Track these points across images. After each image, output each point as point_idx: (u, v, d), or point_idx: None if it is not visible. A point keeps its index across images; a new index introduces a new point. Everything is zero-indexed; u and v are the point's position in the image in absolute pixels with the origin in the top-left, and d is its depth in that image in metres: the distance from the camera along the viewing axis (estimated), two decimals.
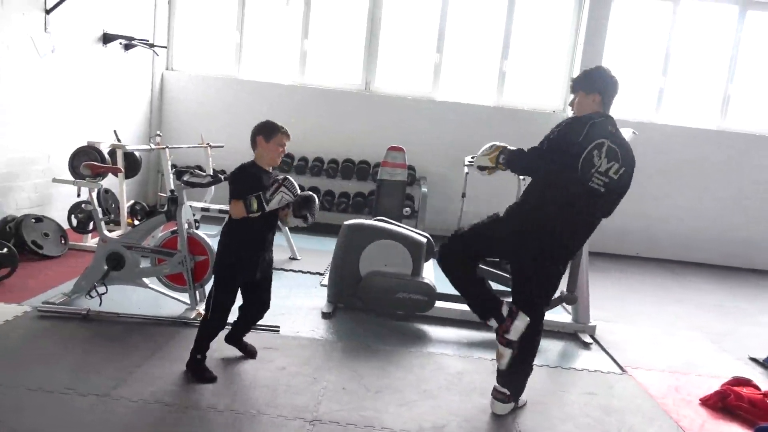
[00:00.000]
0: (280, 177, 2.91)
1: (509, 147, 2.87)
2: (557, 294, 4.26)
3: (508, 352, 2.76)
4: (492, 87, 7.55)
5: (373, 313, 4.13)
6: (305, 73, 7.59)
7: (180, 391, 2.80)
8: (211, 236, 4.53)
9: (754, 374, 3.77)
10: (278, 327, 3.71)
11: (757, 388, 3.34)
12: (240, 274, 2.99)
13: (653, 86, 7.42)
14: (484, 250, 3.03)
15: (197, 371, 2.95)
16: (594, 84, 2.74)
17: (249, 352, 3.25)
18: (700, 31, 7.44)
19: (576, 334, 4.16)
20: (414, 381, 3.19)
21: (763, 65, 7.48)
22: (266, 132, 2.98)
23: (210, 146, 5.89)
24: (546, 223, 2.71)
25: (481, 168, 2.96)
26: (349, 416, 2.74)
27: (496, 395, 2.87)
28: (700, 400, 3.28)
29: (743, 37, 7.39)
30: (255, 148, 3.01)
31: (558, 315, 4.37)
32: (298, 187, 2.95)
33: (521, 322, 2.72)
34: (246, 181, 2.90)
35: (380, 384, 3.07)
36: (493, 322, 2.84)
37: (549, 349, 3.90)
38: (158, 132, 5.56)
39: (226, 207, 5.79)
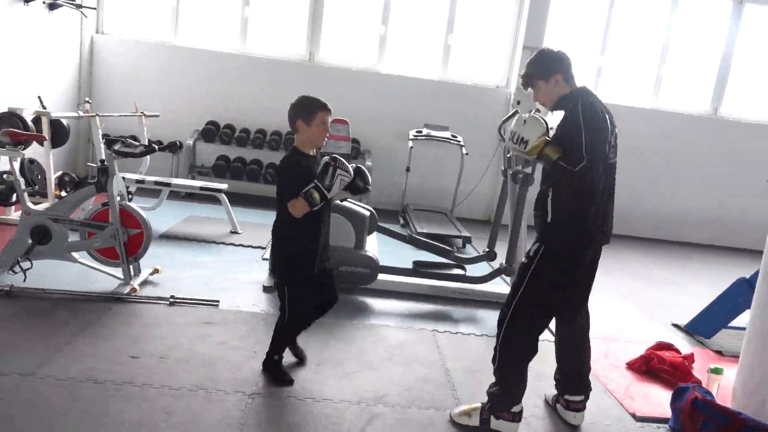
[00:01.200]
0: (327, 158, 2.58)
1: (544, 140, 2.40)
2: (497, 266, 4.38)
3: (472, 423, 2.57)
4: (437, 61, 7.55)
5: None
6: (247, 41, 7.34)
7: (113, 368, 2.70)
8: (146, 209, 4.37)
9: (676, 339, 4.01)
10: (218, 302, 3.63)
11: (678, 351, 3.55)
12: (310, 264, 2.72)
13: (592, 65, 7.63)
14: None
15: (275, 373, 2.79)
16: (549, 68, 2.51)
17: (301, 357, 3.00)
18: (636, 9, 7.67)
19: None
20: (355, 353, 3.20)
21: (696, 46, 7.81)
22: (305, 113, 2.62)
23: (145, 115, 5.63)
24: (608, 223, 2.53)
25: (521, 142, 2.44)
26: (289, 389, 2.72)
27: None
28: (627, 364, 3.46)
29: (676, 17, 7.68)
30: (296, 132, 2.68)
31: (497, 286, 4.48)
32: (347, 163, 2.64)
33: (511, 428, 2.55)
34: (298, 175, 2.58)
35: (322, 357, 3.07)
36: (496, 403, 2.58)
37: (488, 318, 4.01)
38: (87, 99, 5.25)
39: (162, 179, 5.61)
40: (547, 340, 3.74)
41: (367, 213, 4.24)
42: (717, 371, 3.11)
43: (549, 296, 2.49)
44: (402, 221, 6.54)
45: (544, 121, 2.45)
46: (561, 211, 2.43)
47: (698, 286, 5.60)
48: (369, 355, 3.20)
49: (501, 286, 4.55)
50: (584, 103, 2.41)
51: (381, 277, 4.13)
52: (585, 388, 2.73)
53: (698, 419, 2.60)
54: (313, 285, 2.78)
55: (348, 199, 4.38)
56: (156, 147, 3.82)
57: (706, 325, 4.16)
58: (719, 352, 3.90)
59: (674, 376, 3.28)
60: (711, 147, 7.82)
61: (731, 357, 3.70)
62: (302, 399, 2.66)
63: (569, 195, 2.41)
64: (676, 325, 4.37)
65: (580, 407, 2.72)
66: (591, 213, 2.41)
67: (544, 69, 2.52)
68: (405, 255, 4.86)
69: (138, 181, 5.42)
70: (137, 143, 3.91)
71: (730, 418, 2.51)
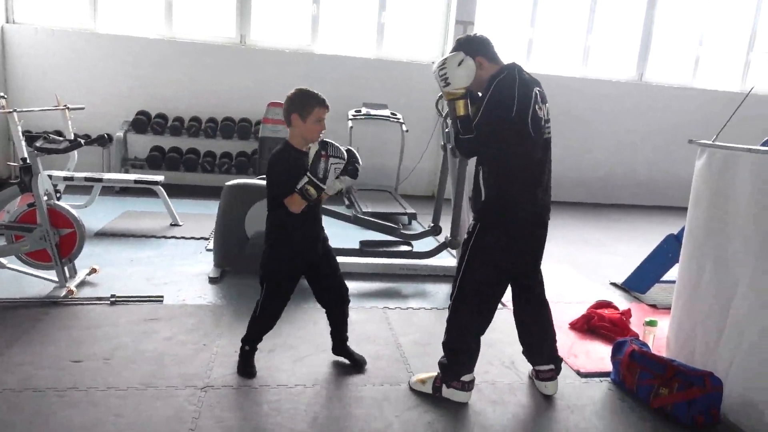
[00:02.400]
0: (317, 145, 2.49)
1: (461, 93, 2.47)
2: (442, 240, 4.46)
3: (426, 390, 2.65)
4: (371, 39, 7.50)
5: None
6: (173, 25, 7.05)
7: (55, 375, 2.59)
8: (77, 207, 4.18)
9: (614, 297, 4.22)
10: (162, 297, 3.54)
11: (616, 308, 3.74)
12: (301, 260, 2.68)
13: (523, 37, 7.78)
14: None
15: (241, 362, 2.74)
16: (469, 53, 2.47)
17: (357, 363, 2.88)
18: None
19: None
20: (307, 336, 3.20)
21: (620, 13, 8.09)
22: (301, 107, 2.53)
23: (68, 108, 5.33)
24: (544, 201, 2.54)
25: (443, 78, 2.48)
26: (242, 378, 2.70)
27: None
28: (569, 324, 3.62)
29: None
30: (288, 125, 2.59)
31: (443, 260, 4.56)
32: (339, 146, 2.55)
33: (462, 397, 2.61)
34: (290, 171, 2.50)
35: (273, 343, 3.05)
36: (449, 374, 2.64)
37: (437, 292, 4.08)
38: (2, 94, 4.92)
39: (92, 174, 5.36)
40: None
41: None
42: (652, 324, 3.30)
43: (490, 269, 2.55)
44: (347, 202, 6.53)
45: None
46: (491, 187, 2.48)
47: (631, 245, 5.89)
48: (321, 337, 3.20)
49: (447, 260, 4.63)
50: (505, 77, 2.40)
51: None
52: (553, 358, 2.80)
53: (636, 370, 2.76)
54: (314, 279, 2.76)
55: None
56: (82, 141, 3.64)
57: (640, 281, 4.39)
58: (654, 306, 4.13)
59: (614, 331, 3.46)
60: (638, 111, 8.18)
61: (664, 309, 3.92)
62: (257, 387, 2.64)
63: (498, 172, 2.47)
64: (613, 284, 4.60)
65: (549, 376, 2.78)
66: (521, 188, 2.47)
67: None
68: (351, 235, 4.87)
69: (66, 178, 5.16)
70: (61, 138, 3.72)
71: (665, 366, 2.68)
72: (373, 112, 6.76)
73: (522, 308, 2.81)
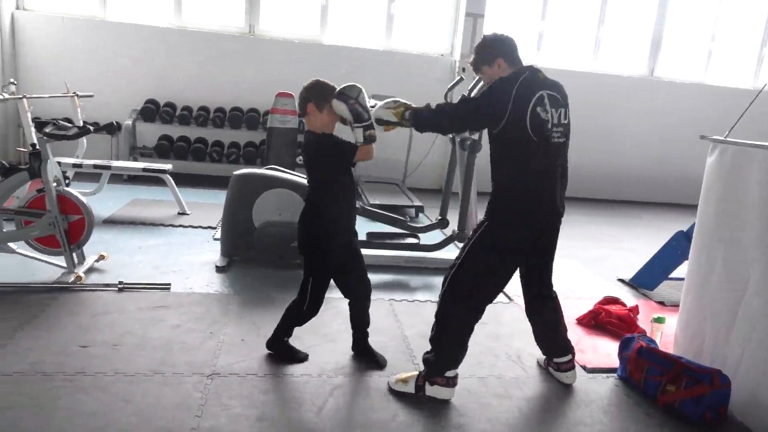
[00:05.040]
0: (346, 98, 2.52)
1: (414, 105, 2.66)
2: (449, 233, 4.45)
3: (408, 390, 2.58)
4: (380, 31, 7.46)
5: (269, 264, 4.06)
6: (182, 14, 7.04)
7: (63, 360, 2.61)
8: (86, 194, 4.19)
9: (622, 293, 4.20)
10: (169, 285, 3.55)
11: (624, 305, 3.72)
12: (344, 241, 2.70)
13: (533, 30, 7.72)
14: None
15: (287, 353, 2.79)
16: (490, 53, 2.56)
17: (378, 363, 2.85)
18: None
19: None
20: (313, 326, 3.18)
21: (632, 8, 8.01)
22: (318, 98, 2.55)
23: (77, 95, 5.34)
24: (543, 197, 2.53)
25: (380, 122, 2.70)
26: (249, 367, 2.71)
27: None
28: (576, 319, 3.61)
29: None
30: (304, 114, 2.61)
31: (451, 253, 4.55)
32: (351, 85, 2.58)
33: (446, 393, 2.56)
34: (342, 144, 2.58)
35: None
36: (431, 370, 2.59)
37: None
38: (12, 80, 4.92)
39: (101, 162, 5.37)
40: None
41: None
42: (659, 320, 3.28)
43: (488, 266, 2.53)
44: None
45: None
46: (497, 188, 2.51)
47: (640, 242, 5.86)
48: (327, 327, 3.21)
49: (454, 253, 4.61)
50: (506, 78, 2.45)
51: None
52: (569, 348, 2.84)
53: (643, 366, 2.75)
54: (341, 271, 2.76)
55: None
56: (91, 128, 3.65)
57: (649, 277, 4.37)
58: (662, 303, 4.11)
59: (621, 328, 3.44)
60: (648, 107, 8.11)
61: (672, 306, 3.90)
62: (263, 376, 2.65)
63: (503, 173, 2.49)
64: (621, 280, 4.57)
65: (569, 366, 2.82)
66: (525, 191, 2.47)
67: (487, 54, 2.58)
68: (359, 227, 4.82)
69: (75, 165, 5.18)
70: (70, 125, 3.72)
71: (672, 363, 2.66)
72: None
73: (536, 309, 2.82)
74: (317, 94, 2.57)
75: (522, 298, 2.87)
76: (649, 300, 4.17)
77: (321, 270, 2.70)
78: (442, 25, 7.57)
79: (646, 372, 2.73)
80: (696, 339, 2.89)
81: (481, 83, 2.75)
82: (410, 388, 2.59)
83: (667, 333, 3.26)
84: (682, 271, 3.44)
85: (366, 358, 2.88)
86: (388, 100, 2.74)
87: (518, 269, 2.70)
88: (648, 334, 3.20)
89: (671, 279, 4.33)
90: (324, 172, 2.65)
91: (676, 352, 2.93)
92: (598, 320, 3.55)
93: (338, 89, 2.58)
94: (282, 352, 2.81)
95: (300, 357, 2.80)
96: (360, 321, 2.88)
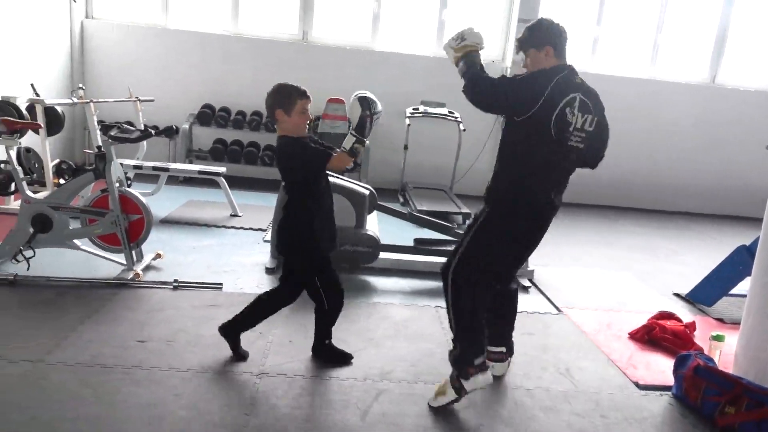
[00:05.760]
0: (357, 104, 2.53)
1: (474, 56, 2.59)
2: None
3: (450, 398, 2.51)
4: (432, 37, 7.47)
5: None
6: (239, 22, 7.25)
7: (121, 353, 2.72)
8: (145, 194, 4.36)
9: (678, 308, 4.04)
10: (221, 284, 3.65)
11: (679, 320, 3.58)
12: (323, 248, 2.69)
13: (588, 35, 7.56)
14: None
15: (332, 355, 2.83)
16: (542, 37, 2.56)
17: (345, 357, 2.86)
18: None
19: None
20: (360, 330, 3.23)
21: (693, 13, 7.73)
22: (284, 102, 2.55)
23: (139, 100, 5.58)
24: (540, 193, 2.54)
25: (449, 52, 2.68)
26: (296, 367, 2.75)
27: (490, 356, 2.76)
28: (629, 334, 3.50)
29: None
30: (275, 121, 2.61)
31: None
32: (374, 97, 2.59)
33: (484, 379, 2.51)
34: (306, 147, 2.55)
35: None
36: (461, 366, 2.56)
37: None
38: (81, 85, 5.20)
39: (160, 164, 5.59)
40: (550, 313, 3.78)
41: (367, 192, 4.24)
42: (718, 338, 3.14)
43: (494, 249, 2.56)
44: (402, 199, 6.53)
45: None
46: (507, 176, 2.55)
47: (698, 256, 5.63)
48: (373, 332, 3.23)
49: None
50: (546, 71, 2.46)
51: (382, 255, 4.14)
52: (507, 343, 2.86)
53: (701, 385, 2.64)
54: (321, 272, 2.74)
55: (343, 178, 4.37)
56: (152, 132, 3.80)
57: (707, 293, 4.19)
58: (721, 320, 3.93)
59: (676, 344, 3.31)
60: (709, 115, 7.79)
61: (732, 324, 3.73)
62: (309, 377, 2.69)
63: (516, 164, 2.53)
64: (677, 295, 4.41)
65: (500, 358, 2.83)
66: (534, 182, 2.50)
67: (539, 38, 2.58)
68: (406, 233, 4.88)
69: (136, 167, 5.40)
70: (133, 128, 3.89)
71: (732, 384, 2.55)
72: (430, 110, 6.74)
73: (499, 298, 2.79)
74: (282, 98, 2.56)
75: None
76: (706, 316, 4.01)
77: (313, 267, 2.70)
78: (494, 31, 7.50)
79: (703, 391, 2.62)
80: (759, 359, 2.76)
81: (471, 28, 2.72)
82: (451, 395, 2.53)
83: (726, 352, 3.12)
84: (743, 287, 3.29)
85: (334, 359, 2.84)
86: (462, 31, 2.66)
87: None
88: (706, 352, 3.07)
89: (731, 295, 4.14)
90: (294, 176, 2.61)
91: (736, 373, 2.80)
92: (652, 335, 3.43)
93: (367, 95, 2.59)
94: (328, 356, 2.85)
95: (347, 355, 2.85)
96: (337, 313, 2.86)
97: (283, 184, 2.71)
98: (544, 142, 2.41)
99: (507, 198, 2.55)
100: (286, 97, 2.56)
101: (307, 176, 2.60)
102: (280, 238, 2.70)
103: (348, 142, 2.54)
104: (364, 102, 2.56)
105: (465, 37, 2.60)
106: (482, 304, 2.59)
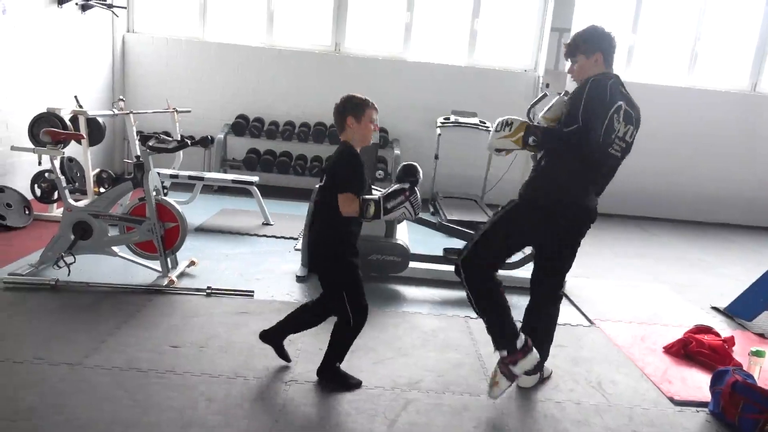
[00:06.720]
0: (407, 185, 2.51)
1: (533, 125, 2.54)
2: (527, 252, 4.35)
3: (505, 385, 2.55)
4: (463, 46, 7.48)
5: None
6: (273, 34, 7.40)
7: (156, 358, 2.79)
8: (180, 203, 4.47)
9: (715, 322, 3.93)
10: (252, 292, 3.71)
11: (717, 335, 3.48)
12: (356, 263, 2.65)
13: (623, 44, 7.44)
14: (513, 250, 2.79)
15: (338, 379, 2.70)
16: (594, 44, 2.56)
17: (352, 385, 2.73)
18: None
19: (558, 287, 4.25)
20: (388, 339, 3.23)
21: (732, 19, 7.55)
22: (355, 111, 2.59)
23: (177, 111, 5.75)
24: (568, 196, 2.56)
25: (499, 150, 2.62)
26: None
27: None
28: (664, 348, 3.41)
29: None
30: (343, 129, 2.62)
31: (528, 272, 4.44)
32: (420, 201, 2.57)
33: (531, 360, 2.53)
34: (358, 169, 2.53)
35: (355, 344, 3.06)
36: (503, 352, 2.58)
37: (520, 304, 3.96)
38: (121, 97, 5.38)
39: (195, 173, 5.72)
40: (581, 325, 3.72)
41: None
42: (759, 354, 3.04)
43: (504, 232, 2.62)
44: (432, 209, 6.53)
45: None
46: (549, 178, 2.58)
47: (737, 268, 5.46)
48: (402, 341, 3.23)
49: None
50: (598, 79, 2.45)
51: (412, 264, 4.15)
52: (544, 354, 2.82)
53: (739, 402, 2.55)
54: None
55: (374, 187, 4.38)
56: (188, 142, 3.90)
57: (746, 307, 4.06)
58: (761, 335, 3.81)
59: (713, 359, 3.22)
60: (749, 124, 7.57)
61: None
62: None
63: (559, 165, 2.54)
64: (715, 308, 4.28)
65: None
66: (576, 183, 2.53)
67: (590, 45, 2.58)
68: (436, 242, 4.87)
69: (172, 176, 5.54)
70: (170, 139, 4.01)
71: None
72: (462, 119, 6.73)
73: (539, 300, 2.86)
74: (354, 106, 2.62)
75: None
76: (746, 331, 3.88)
77: (346, 278, 2.62)
78: (527, 40, 7.47)
79: (741, 408, 2.54)
80: None
81: (557, 98, 2.66)
82: (505, 383, 2.55)
83: (767, 368, 3.01)
84: None
85: (341, 385, 2.71)
86: (500, 122, 2.58)
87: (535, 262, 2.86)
88: (745, 368, 2.97)
89: None
90: (334, 183, 2.58)
91: None
92: (688, 350, 3.34)
93: (416, 173, 2.58)
94: (334, 380, 2.70)
95: (353, 383, 2.70)
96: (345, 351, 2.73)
97: (322, 185, 2.68)
98: (589, 142, 2.40)
99: (539, 195, 2.59)
100: (357, 105, 2.62)
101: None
102: (318, 259, 2.67)
103: (369, 195, 2.54)
104: (411, 187, 2.52)
105: (510, 122, 2.54)
106: (494, 285, 2.62)
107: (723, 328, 3.81)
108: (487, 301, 2.61)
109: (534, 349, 2.56)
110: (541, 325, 2.87)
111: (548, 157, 2.62)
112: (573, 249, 2.72)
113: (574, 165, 2.51)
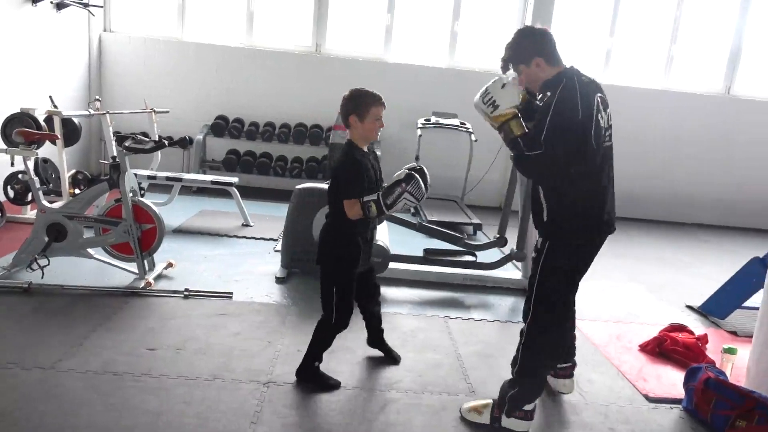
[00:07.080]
0: (403, 175, 2.52)
1: (517, 112, 2.34)
2: (507, 252, 4.39)
3: (484, 421, 2.51)
4: (444, 48, 7.51)
5: None
6: (253, 34, 7.35)
7: (132, 361, 2.76)
8: (159, 204, 4.42)
9: (690, 321, 4.00)
10: (231, 293, 3.68)
11: (691, 333, 3.54)
12: (356, 266, 2.66)
13: (601, 47, 7.54)
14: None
15: (317, 380, 2.69)
16: (528, 51, 2.35)
17: (393, 358, 2.97)
18: None
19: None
20: (365, 339, 3.23)
21: (707, 23, 7.70)
22: (359, 108, 2.52)
23: (155, 111, 5.68)
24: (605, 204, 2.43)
25: (484, 110, 2.41)
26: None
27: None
28: (639, 346, 3.47)
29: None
30: (348, 126, 2.59)
31: (508, 272, 4.49)
32: (422, 185, 2.56)
33: (524, 426, 2.48)
34: (358, 173, 2.52)
35: (335, 345, 3.06)
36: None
37: (500, 304, 4.02)
38: (97, 97, 5.30)
39: (173, 174, 5.66)
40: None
41: None
42: (731, 351, 3.10)
43: (563, 287, 2.47)
44: (412, 210, 6.54)
45: (521, 93, 2.38)
46: (552, 201, 2.36)
47: (711, 268, 5.56)
48: None
49: (512, 272, 4.55)
50: (565, 86, 2.24)
51: (392, 265, 4.15)
52: (572, 357, 2.84)
53: (711, 399, 2.61)
54: (359, 280, 2.72)
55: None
56: (166, 142, 3.86)
57: (719, 305, 4.14)
58: (734, 333, 3.88)
59: (687, 357, 3.28)
60: (723, 127, 7.72)
61: (746, 337, 3.68)
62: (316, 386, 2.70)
63: (558, 184, 2.33)
64: (689, 307, 4.36)
65: (569, 373, 2.81)
66: (583, 198, 2.35)
67: (523, 52, 2.37)
68: (416, 243, 4.88)
69: (150, 177, 5.48)
70: (147, 139, 3.96)
71: (743, 397, 2.51)
72: (442, 121, 6.76)
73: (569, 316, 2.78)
74: (357, 104, 2.54)
75: (581, 321, 2.79)
76: (719, 329, 3.95)
77: (341, 279, 2.63)
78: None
79: (713, 405, 2.59)
80: None
81: (504, 83, 2.39)
82: (485, 419, 2.50)
83: (738, 365, 3.08)
84: (757, 300, 3.24)
85: (383, 350, 3.01)
86: (490, 93, 2.38)
87: None
88: (717, 365, 3.03)
89: (745, 308, 4.09)
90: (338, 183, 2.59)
91: (748, 386, 2.76)
92: (663, 348, 3.39)
93: (419, 178, 2.55)
94: (313, 380, 2.69)
95: (331, 384, 2.69)
96: (378, 310, 2.98)
97: (329, 185, 2.66)
98: (586, 155, 2.24)
99: (563, 224, 2.37)
100: (361, 102, 2.54)
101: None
102: (321, 253, 2.67)
103: (369, 196, 2.51)
104: (408, 174, 2.53)
105: (496, 101, 2.34)
106: (556, 353, 2.58)
107: (697, 326, 3.88)
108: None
109: (531, 422, 2.47)
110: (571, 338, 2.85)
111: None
112: None
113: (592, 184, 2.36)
